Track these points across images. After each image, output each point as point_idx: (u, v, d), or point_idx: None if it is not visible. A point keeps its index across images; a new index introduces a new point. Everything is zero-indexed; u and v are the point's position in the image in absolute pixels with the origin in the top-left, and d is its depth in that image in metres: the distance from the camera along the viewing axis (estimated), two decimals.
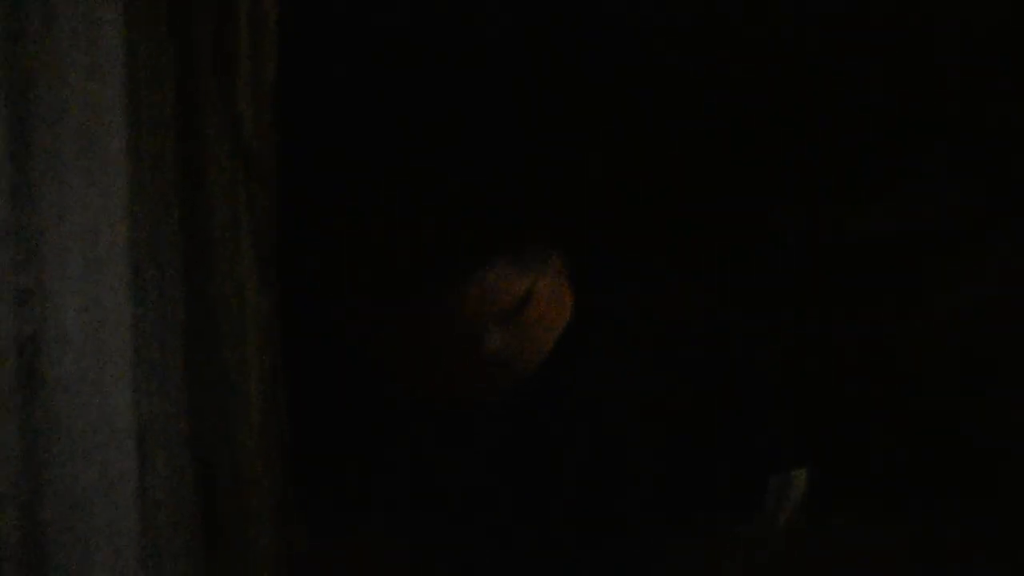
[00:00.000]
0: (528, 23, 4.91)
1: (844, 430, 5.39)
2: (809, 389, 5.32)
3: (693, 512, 2.31)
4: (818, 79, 5.46)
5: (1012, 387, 5.27)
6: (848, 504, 5.25)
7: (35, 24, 1.23)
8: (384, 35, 4.59)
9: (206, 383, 2.25)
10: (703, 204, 5.39)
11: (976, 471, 5.43)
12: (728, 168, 5.56)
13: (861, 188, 5.62)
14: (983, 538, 4.89)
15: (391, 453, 2.20)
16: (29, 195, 1.21)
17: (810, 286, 5.64)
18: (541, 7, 4.89)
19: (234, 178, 2.72)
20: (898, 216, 5.75)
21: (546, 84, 4.28)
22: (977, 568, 4.50)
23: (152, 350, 1.76)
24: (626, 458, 2.29)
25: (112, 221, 1.48)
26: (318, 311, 2.22)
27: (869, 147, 5.46)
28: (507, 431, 2.27)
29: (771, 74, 5.42)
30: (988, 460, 5.51)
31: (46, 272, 1.25)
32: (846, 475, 5.20)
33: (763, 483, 2.32)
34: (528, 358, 2.28)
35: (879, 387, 5.65)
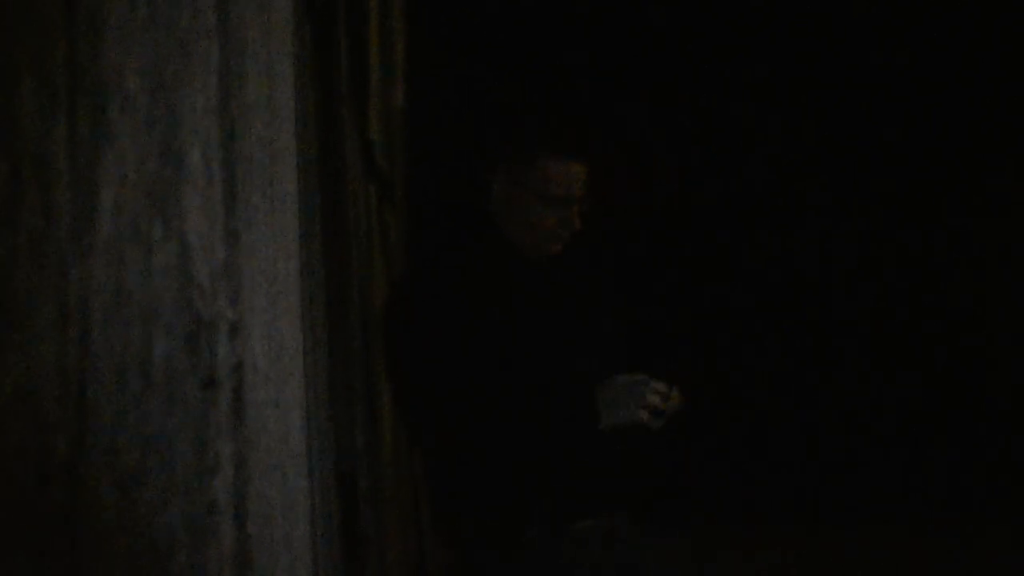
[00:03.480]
0: None
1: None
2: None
3: None
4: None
5: None
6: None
7: (236, 84, 1.34)
8: None
9: (345, 404, 2.37)
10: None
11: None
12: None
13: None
14: None
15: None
16: (236, 237, 1.32)
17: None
18: None
19: (368, 204, 2.84)
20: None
21: None
22: None
23: (313, 374, 1.88)
24: None
25: (287, 256, 1.59)
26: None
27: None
28: None
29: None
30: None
31: (245, 306, 1.35)
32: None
33: None
34: None
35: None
